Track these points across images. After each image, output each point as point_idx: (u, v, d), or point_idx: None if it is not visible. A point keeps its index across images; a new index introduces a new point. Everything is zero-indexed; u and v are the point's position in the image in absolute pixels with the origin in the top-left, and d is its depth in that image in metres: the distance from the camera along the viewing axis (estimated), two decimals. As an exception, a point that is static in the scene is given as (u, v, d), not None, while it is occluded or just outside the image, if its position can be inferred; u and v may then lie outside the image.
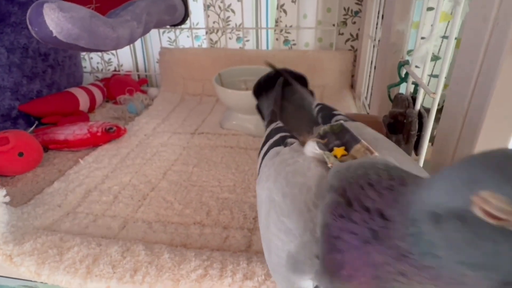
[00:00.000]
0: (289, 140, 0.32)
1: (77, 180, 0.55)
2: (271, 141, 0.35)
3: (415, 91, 0.44)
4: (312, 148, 0.27)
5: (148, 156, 0.62)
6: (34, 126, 0.72)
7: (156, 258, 0.37)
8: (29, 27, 0.46)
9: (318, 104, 0.40)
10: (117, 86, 0.88)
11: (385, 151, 0.26)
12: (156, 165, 0.60)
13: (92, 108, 0.82)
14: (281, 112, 0.42)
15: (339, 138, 0.29)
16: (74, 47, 0.51)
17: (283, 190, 0.26)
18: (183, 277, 0.34)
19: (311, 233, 0.22)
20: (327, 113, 0.37)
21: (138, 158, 0.62)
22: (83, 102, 0.79)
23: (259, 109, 0.52)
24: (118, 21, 0.58)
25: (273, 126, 0.38)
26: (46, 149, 0.65)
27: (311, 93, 0.48)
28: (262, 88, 0.51)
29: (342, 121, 0.31)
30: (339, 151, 0.27)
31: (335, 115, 0.36)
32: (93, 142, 0.65)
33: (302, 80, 0.49)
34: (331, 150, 0.27)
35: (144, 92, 0.90)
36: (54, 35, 0.46)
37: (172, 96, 0.88)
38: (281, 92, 0.46)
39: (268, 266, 0.28)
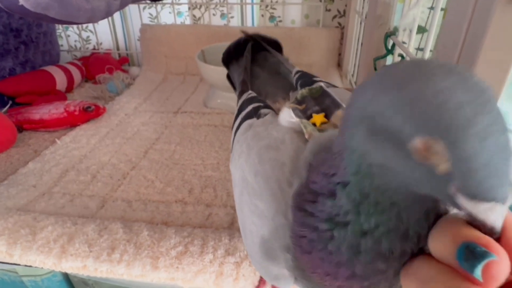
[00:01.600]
0: (262, 111, 0.30)
1: (53, 160, 0.53)
2: (243, 113, 0.32)
3: (402, 63, 0.43)
4: (287, 116, 0.25)
5: (128, 135, 0.60)
6: (7, 106, 0.69)
7: (135, 235, 0.35)
8: (-8, -6, 0.43)
9: (298, 72, 0.37)
10: (96, 64, 0.84)
11: None
12: (137, 144, 0.58)
13: (70, 88, 0.79)
14: (252, 80, 0.39)
15: (319, 103, 0.26)
16: (44, 18, 0.47)
17: (255, 168, 0.24)
18: (163, 255, 0.33)
19: (284, 216, 0.20)
20: (307, 79, 0.34)
21: (118, 137, 0.60)
22: (60, 81, 0.76)
23: (229, 79, 0.49)
24: (92, -9, 0.55)
25: (244, 97, 0.35)
26: (20, 129, 0.62)
27: (287, 59, 0.44)
28: (232, 56, 0.47)
29: (322, 84, 0.29)
30: (318, 118, 0.24)
31: (316, 81, 0.33)
32: (70, 121, 0.63)
33: (276, 46, 0.46)
34: (309, 117, 0.25)
35: (125, 71, 0.86)
36: (20, 3, 0.43)
37: (154, 75, 0.85)
38: (250, 59, 0.42)
39: (246, 250, 0.27)
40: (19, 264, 0.37)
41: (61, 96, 0.74)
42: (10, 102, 0.70)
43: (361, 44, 0.70)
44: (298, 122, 0.24)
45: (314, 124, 0.24)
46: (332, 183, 0.17)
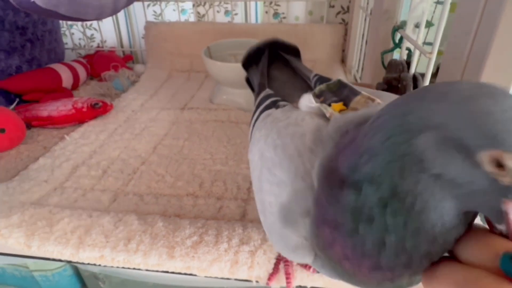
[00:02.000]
0: (281, 103, 0.30)
1: (64, 156, 0.54)
2: (261, 106, 0.33)
3: (409, 56, 0.44)
4: (307, 101, 0.25)
5: (136, 131, 0.61)
6: (15, 104, 0.69)
7: (150, 227, 0.36)
8: (4, -9, 0.43)
9: (316, 75, 0.38)
10: (101, 62, 0.84)
11: (387, 98, 0.24)
12: (146, 140, 0.58)
13: (75, 85, 0.79)
14: (270, 82, 0.40)
15: (337, 95, 0.26)
16: (53, 15, 0.48)
17: (274, 143, 0.24)
18: (178, 244, 0.34)
19: (302, 179, 0.20)
20: (325, 80, 0.34)
21: (126, 133, 0.60)
22: (66, 78, 0.76)
23: (248, 82, 0.50)
24: (100, -12, 0.55)
25: (262, 94, 0.36)
26: (29, 126, 0.62)
27: (304, 66, 0.46)
28: (251, 60, 0.48)
29: (340, 78, 0.29)
30: (337, 106, 0.24)
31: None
32: (78, 118, 0.63)
33: (294, 51, 0.47)
34: (328, 106, 0.25)
35: (129, 68, 0.87)
36: (32, 0, 0.43)
37: (159, 72, 0.85)
38: (267, 64, 0.43)
39: (264, 229, 0.27)
40: (35, 257, 0.38)
41: (67, 93, 0.74)
42: (17, 99, 0.70)
43: (366, 40, 0.70)
44: (318, 106, 0.24)
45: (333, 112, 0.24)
46: (359, 173, 0.17)
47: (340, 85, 0.28)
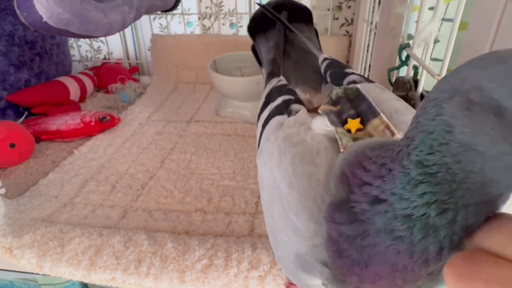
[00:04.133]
0: (293, 106, 0.28)
1: (73, 171, 0.54)
2: (272, 105, 0.30)
3: (415, 74, 0.44)
4: (322, 125, 0.24)
5: (144, 145, 0.61)
6: (24, 117, 0.70)
7: (160, 248, 0.36)
8: (17, 12, 0.44)
9: (326, 59, 0.34)
10: (108, 74, 0.85)
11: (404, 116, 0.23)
12: (153, 154, 0.59)
13: (83, 97, 0.80)
14: (283, 57, 0.36)
15: (354, 106, 0.25)
16: (64, 33, 0.49)
17: (289, 180, 0.23)
18: (188, 268, 0.34)
19: (321, 236, 0.20)
20: (338, 71, 0.32)
21: (134, 147, 0.61)
22: (74, 91, 0.77)
23: (254, 51, 0.45)
24: (109, 5, 0.56)
25: (274, 83, 0.33)
26: (38, 140, 0.63)
27: (316, 33, 0.41)
28: (259, 26, 0.42)
29: (358, 86, 0.27)
30: (353, 123, 0.23)
31: (348, 73, 0.31)
32: (86, 132, 0.64)
33: (306, 14, 0.42)
34: (345, 121, 0.24)
35: (136, 80, 0.88)
36: (44, 20, 0.44)
37: (165, 84, 0.86)
38: (284, 33, 0.38)
39: (274, 253, 0.27)
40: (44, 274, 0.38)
41: (75, 106, 0.75)
42: (26, 113, 0.71)
43: (370, 52, 0.71)
44: (333, 131, 0.24)
45: (349, 131, 0.23)
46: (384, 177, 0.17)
47: (359, 94, 0.26)
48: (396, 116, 0.24)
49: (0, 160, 0.55)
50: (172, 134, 0.65)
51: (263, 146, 0.28)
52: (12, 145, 0.55)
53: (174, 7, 0.81)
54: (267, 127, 0.29)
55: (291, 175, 0.23)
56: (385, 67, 0.49)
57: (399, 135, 0.22)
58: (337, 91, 0.27)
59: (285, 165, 0.24)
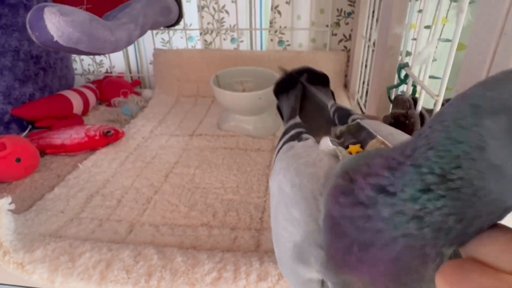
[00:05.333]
0: (304, 135, 0.32)
1: (78, 185, 0.55)
2: (286, 136, 0.35)
3: (414, 92, 0.46)
4: (326, 144, 0.27)
5: (148, 159, 0.62)
6: (27, 131, 0.71)
7: (169, 262, 0.37)
8: (29, 31, 0.45)
9: (333, 105, 0.39)
10: (110, 88, 0.87)
11: (399, 136, 0.25)
12: (157, 168, 0.60)
13: (85, 111, 0.81)
14: (300, 111, 0.42)
15: (356, 137, 0.28)
16: (74, 51, 0.50)
17: (292, 181, 0.26)
18: (198, 281, 0.35)
19: (316, 222, 0.21)
20: (343, 113, 0.36)
21: (138, 161, 0.62)
22: (77, 105, 0.78)
23: (279, 109, 0.52)
24: (116, 23, 0.58)
25: (291, 122, 0.38)
26: (42, 154, 0.64)
27: (332, 93, 0.47)
28: (283, 88, 0.50)
29: (358, 120, 0.31)
30: (354, 148, 0.26)
31: (351, 114, 0.35)
32: (90, 146, 0.65)
33: (324, 79, 0.48)
34: (346, 147, 0.27)
35: (138, 94, 0.89)
36: (55, 39, 0.46)
37: (167, 97, 0.88)
38: (302, 91, 0.45)
39: (277, 260, 0.28)
40: None
41: (78, 120, 0.76)
42: (30, 126, 0.72)
43: (366, 67, 0.73)
44: (334, 148, 0.26)
45: (350, 153, 0.26)
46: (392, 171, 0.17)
47: (359, 127, 0.30)
48: (392, 137, 0.26)
49: (6, 175, 0.55)
50: (175, 148, 0.66)
51: (275, 166, 0.32)
52: (18, 160, 0.55)
53: (177, 22, 0.84)
54: (279, 153, 0.33)
55: (294, 177, 0.26)
56: (384, 84, 0.51)
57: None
58: (340, 128, 0.31)
59: (291, 172, 0.27)
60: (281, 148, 0.33)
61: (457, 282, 0.13)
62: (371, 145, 0.26)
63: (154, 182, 0.56)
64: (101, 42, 0.53)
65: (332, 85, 0.87)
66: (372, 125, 0.29)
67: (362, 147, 0.27)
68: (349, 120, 0.34)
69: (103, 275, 0.35)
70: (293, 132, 0.34)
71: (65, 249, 0.38)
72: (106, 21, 0.57)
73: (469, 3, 0.32)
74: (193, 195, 0.52)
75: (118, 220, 0.48)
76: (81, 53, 0.52)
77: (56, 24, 0.45)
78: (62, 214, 0.48)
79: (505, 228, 0.15)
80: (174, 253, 0.38)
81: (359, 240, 0.18)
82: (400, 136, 0.27)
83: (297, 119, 0.37)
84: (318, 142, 0.30)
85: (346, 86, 0.89)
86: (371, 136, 0.27)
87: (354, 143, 0.27)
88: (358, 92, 0.81)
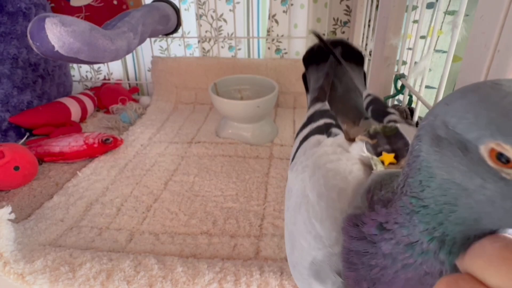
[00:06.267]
0: (334, 130, 0.30)
1: (77, 193, 0.55)
2: (313, 125, 0.32)
3: (410, 102, 0.47)
4: (359, 149, 0.26)
5: (147, 167, 0.62)
6: (25, 138, 0.71)
7: (170, 272, 0.37)
8: (30, 41, 0.46)
9: (369, 95, 0.36)
10: (108, 95, 0.87)
11: None
12: (156, 176, 0.60)
13: (83, 118, 0.81)
14: (330, 91, 0.38)
15: (391, 143, 0.26)
16: (74, 61, 0.50)
17: (319, 190, 0.24)
18: (199, 291, 0.35)
19: (339, 247, 0.21)
20: (380, 108, 0.33)
21: (137, 169, 0.62)
22: (75, 112, 0.78)
23: (305, 79, 0.47)
24: (115, 32, 0.58)
25: (318, 107, 0.35)
26: (40, 161, 0.64)
27: (364, 75, 0.43)
28: (313, 57, 0.44)
29: (398, 125, 0.28)
30: (388, 157, 0.25)
31: (388, 113, 0.32)
32: (89, 153, 0.65)
33: (358, 56, 0.44)
34: (379, 154, 0.26)
35: (135, 101, 0.89)
36: (56, 49, 0.46)
37: (165, 105, 0.88)
38: (335, 68, 0.40)
39: (288, 259, 0.28)
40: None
41: (76, 127, 0.76)
42: (28, 134, 0.72)
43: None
44: (369, 157, 0.25)
45: (382, 162, 0.25)
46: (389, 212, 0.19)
47: (397, 132, 0.28)
48: None
49: (4, 183, 0.55)
50: (174, 156, 0.66)
51: (298, 159, 0.30)
52: (16, 168, 0.55)
53: (175, 30, 0.84)
54: (305, 143, 0.31)
55: (322, 186, 0.25)
56: (381, 94, 0.52)
57: None
58: (375, 126, 0.28)
59: (318, 177, 0.25)
60: (306, 137, 0.31)
61: None
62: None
63: (154, 190, 0.56)
64: (101, 51, 0.53)
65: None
66: (410, 134, 0.27)
67: (397, 157, 0.25)
68: (385, 120, 0.31)
69: (104, 286, 0.35)
70: (321, 122, 0.31)
71: (65, 259, 0.38)
72: (106, 30, 0.58)
73: (464, 16, 0.33)
74: (192, 203, 0.53)
75: (117, 228, 0.48)
76: (81, 62, 0.52)
77: (57, 35, 0.46)
78: (62, 222, 0.48)
79: (492, 238, 0.14)
80: (175, 263, 0.38)
81: (366, 276, 0.19)
82: None
83: (326, 105, 0.34)
84: (346, 134, 0.28)
85: (342, 93, 0.91)
86: (408, 150, 0.26)
87: (388, 151, 0.26)
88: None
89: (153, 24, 0.73)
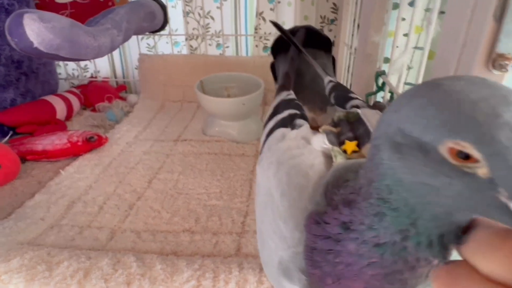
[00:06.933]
0: (298, 121, 0.29)
1: (59, 192, 0.54)
2: (278, 117, 0.32)
3: (391, 98, 0.47)
4: (321, 142, 0.26)
5: (131, 165, 0.62)
6: (8, 136, 0.70)
7: (148, 270, 0.37)
8: (8, 38, 0.45)
9: (330, 81, 0.35)
10: (95, 93, 0.86)
11: None
12: (140, 174, 0.59)
13: (69, 116, 0.80)
14: (296, 77, 0.37)
15: (353, 129, 0.27)
16: (55, 57, 0.50)
17: (282, 188, 0.24)
18: (177, 289, 0.35)
19: (302, 246, 0.22)
20: (342, 94, 0.33)
21: (121, 167, 0.61)
22: (60, 110, 0.77)
23: (273, 68, 0.46)
24: (98, 29, 0.58)
25: (283, 96, 0.34)
26: (23, 160, 0.63)
27: (333, 60, 0.43)
28: (281, 46, 0.43)
29: (359, 111, 0.29)
30: (350, 145, 0.25)
31: (351, 98, 0.32)
32: (73, 152, 0.64)
33: (325, 43, 0.43)
34: (342, 142, 0.26)
35: (123, 99, 0.88)
36: (35, 46, 0.45)
37: (153, 103, 0.87)
38: (298, 52, 0.39)
39: (260, 257, 0.28)
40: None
41: (61, 125, 0.75)
42: (11, 132, 0.71)
43: (351, 74, 0.74)
44: (330, 149, 0.25)
45: (345, 151, 0.25)
46: (356, 197, 0.19)
47: (359, 118, 0.28)
48: None
49: (-16, 182, 0.54)
50: (159, 154, 0.66)
51: (264, 155, 0.30)
52: (-2, 166, 0.55)
53: (162, 28, 0.84)
54: (270, 137, 0.31)
55: (284, 184, 0.25)
56: (364, 91, 0.52)
57: None
58: (339, 113, 0.29)
59: (281, 175, 0.25)
60: (272, 130, 0.31)
61: (447, 286, 0.14)
62: (367, 149, 0.24)
63: (137, 188, 0.56)
64: (83, 48, 0.53)
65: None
66: (371, 119, 0.27)
67: (359, 145, 0.25)
68: (348, 105, 0.31)
69: (81, 285, 0.35)
70: (285, 113, 0.31)
71: (43, 257, 0.38)
72: (89, 27, 0.57)
73: (439, 13, 0.33)
74: (176, 201, 0.52)
75: (99, 227, 0.47)
76: (63, 59, 0.52)
77: (36, 31, 0.45)
78: (42, 221, 0.48)
79: (485, 224, 0.15)
80: (154, 261, 0.38)
81: (331, 272, 0.20)
82: None
83: (291, 94, 0.34)
84: (312, 122, 0.28)
85: (330, 91, 0.91)
86: (369, 136, 0.25)
87: (350, 139, 0.26)
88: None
89: (138, 21, 0.72)
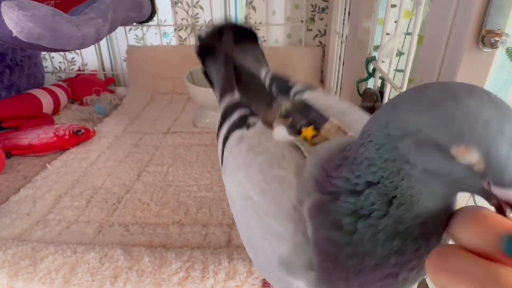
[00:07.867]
0: (251, 120, 0.29)
1: (46, 186, 0.53)
2: (229, 121, 0.31)
3: (382, 85, 0.47)
4: (282, 134, 0.26)
5: (120, 158, 0.61)
6: (-7, 131, 0.68)
7: (136, 262, 0.36)
8: (-15, 27, 0.43)
9: (267, 73, 0.35)
10: (82, 86, 0.84)
11: (356, 125, 0.24)
12: (129, 167, 0.58)
13: (56, 110, 0.79)
14: (235, 78, 0.35)
15: (304, 116, 0.26)
16: (36, 47, 0.48)
17: (260, 186, 0.24)
18: (165, 281, 0.34)
19: (302, 234, 0.21)
20: (282, 83, 0.33)
21: (109, 160, 0.60)
22: (47, 104, 0.75)
23: (207, 75, 0.44)
24: (82, 19, 0.56)
25: (227, 101, 0.33)
26: (8, 155, 0.61)
27: (262, 53, 0.42)
28: (207, 48, 0.42)
29: (303, 97, 0.28)
30: (308, 131, 0.25)
31: (291, 86, 0.32)
32: (60, 145, 0.63)
33: (252, 36, 0.41)
34: (299, 131, 0.25)
35: (111, 91, 0.87)
36: (14, 35, 0.44)
37: (142, 95, 0.86)
38: (230, 49, 0.37)
39: (255, 265, 0.27)
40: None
41: (48, 119, 0.73)
42: (-4, 127, 0.69)
43: (343, 63, 0.73)
44: (293, 139, 0.25)
45: (305, 139, 0.25)
46: (353, 184, 0.19)
47: (305, 105, 0.27)
48: (344, 117, 0.26)
49: (-33, 177, 0.53)
50: (149, 146, 0.65)
51: (227, 161, 0.29)
52: (-19, 162, 0.53)
53: (150, 18, 0.82)
54: (227, 143, 0.30)
55: (261, 182, 0.24)
56: (355, 78, 0.51)
57: (352, 133, 0.24)
58: (285, 105, 0.28)
59: (253, 174, 0.25)
60: (227, 136, 0.30)
61: (439, 266, 0.15)
62: (327, 129, 0.25)
63: (126, 181, 0.55)
64: (66, 37, 0.51)
65: (308, 80, 0.87)
66: (317, 101, 0.27)
67: (316, 128, 0.25)
68: (291, 94, 0.31)
69: (67, 279, 0.34)
70: (236, 116, 0.30)
71: (27, 253, 0.37)
72: (72, 16, 0.55)
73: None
74: (165, 194, 0.52)
75: (86, 221, 0.46)
76: (45, 49, 0.50)
77: (15, 19, 0.43)
78: (28, 216, 0.47)
79: (466, 208, 0.17)
80: (142, 253, 0.37)
81: (349, 265, 0.19)
82: (351, 116, 0.27)
83: (236, 96, 0.33)
84: (264, 121, 0.27)
85: (322, 81, 0.90)
86: (322, 118, 0.25)
87: (305, 125, 0.26)
88: (334, 87, 0.81)
89: (125, 10, 0.70)
